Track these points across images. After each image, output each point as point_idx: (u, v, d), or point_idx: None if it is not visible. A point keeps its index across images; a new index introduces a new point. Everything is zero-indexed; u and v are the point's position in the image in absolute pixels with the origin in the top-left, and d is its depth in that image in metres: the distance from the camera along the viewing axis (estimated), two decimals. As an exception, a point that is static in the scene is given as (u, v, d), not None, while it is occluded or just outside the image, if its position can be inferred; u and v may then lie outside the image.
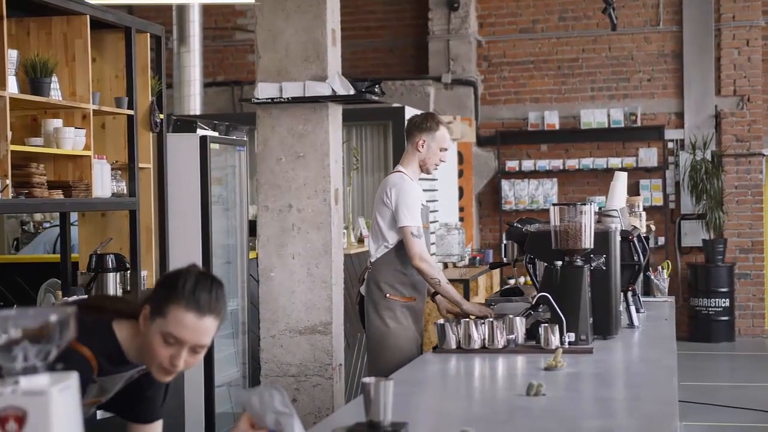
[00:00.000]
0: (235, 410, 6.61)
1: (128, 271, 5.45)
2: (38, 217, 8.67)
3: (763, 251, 12.42)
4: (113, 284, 5.32)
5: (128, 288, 5.48)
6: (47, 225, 8.70)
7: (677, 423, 2.89)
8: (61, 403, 1.73)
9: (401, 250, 5.08)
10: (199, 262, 6.16)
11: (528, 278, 11.78)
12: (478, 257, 10.71)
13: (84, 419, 2.60)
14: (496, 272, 10.91)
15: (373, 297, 5.13)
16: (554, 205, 4.42)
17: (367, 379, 2.73)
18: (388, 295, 5.08)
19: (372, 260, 5.18)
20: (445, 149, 5.22)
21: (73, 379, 1.78)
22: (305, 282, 5.62)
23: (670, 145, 12.50)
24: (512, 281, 12.10)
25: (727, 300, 12.04)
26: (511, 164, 12.72)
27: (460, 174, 12.22)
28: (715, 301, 12.02)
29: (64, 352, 2.38)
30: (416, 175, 5.19)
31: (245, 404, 2.50)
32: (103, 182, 5.17)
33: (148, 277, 5.73)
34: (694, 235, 12.36)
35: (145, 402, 2.84)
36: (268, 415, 2.48)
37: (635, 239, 5.01)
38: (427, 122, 5.19)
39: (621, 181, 5.48)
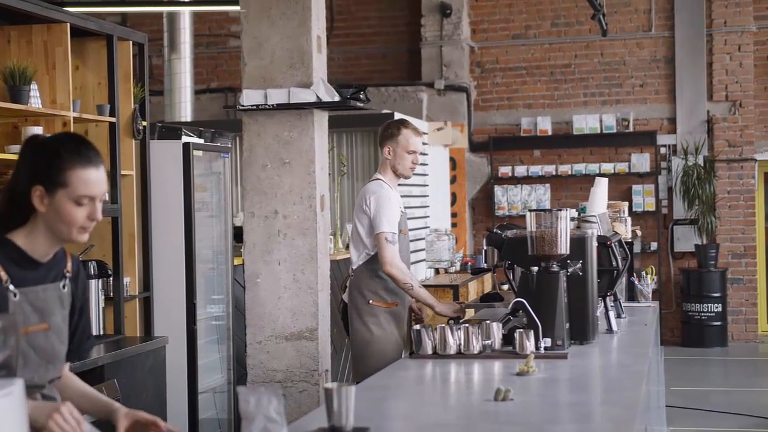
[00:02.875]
0: (220, 416, 6.62)
1: (110, 278, 5.47)
2: None
3: (756, 256, 12.43)
4: (95, 291, 5.33)
5: (111, 295, 5.49)
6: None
7: (640, 426, 2.90)
8: (3, 408, 1.75)
9: None
10: (183, 269, 6.19)
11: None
12: (470, 263, 10.72)
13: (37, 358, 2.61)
14: (488, 278, 10.92)
15: (356, 304, 5.20)
16: (531, 210, 4.44)
17: (328, 385, 2.75)
18: (371, 301, 5.17)
19: (354, 267, 5.27)
20: (413, 152, 5.30)
21: (17, 385, 1.80)
22: (291, 288, 5.63)
23: (663, 150, 12.52)
24: (505, 287, 12.11)
25: (720, 305, 12.04)
26: (504, 170, 12.74)
27: (453, 180, 12.25)
28: (708, 306, 12.02)
29: None
30: (394, 181, 5.28)
31: (240, 399, 2.52)
32: (85, 189, 5.19)
33: (131, 283, 5.75)
34: (686, 240, 12.37)
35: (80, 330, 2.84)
36: (258, 418, 2.50)
37: (614, 244, 5.02)
38: (388, 129, 5.33)
39: (601, 186, 5.50)
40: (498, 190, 12.73)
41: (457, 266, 10.32)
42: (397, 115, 9.66)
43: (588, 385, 3.82)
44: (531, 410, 3.20)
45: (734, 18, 12.33)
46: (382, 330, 5.11)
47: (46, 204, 2.64)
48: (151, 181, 5.97)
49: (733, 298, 12.32)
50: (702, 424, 8.15)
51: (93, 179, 2.65)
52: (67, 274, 2.78)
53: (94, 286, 5.33)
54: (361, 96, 5.96)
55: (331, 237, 7.91)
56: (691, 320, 12.09)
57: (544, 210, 4.43)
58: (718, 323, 12.06)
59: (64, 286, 2.76)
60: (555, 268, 4.38)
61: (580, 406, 3.32)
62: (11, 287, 2.61)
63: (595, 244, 4.65)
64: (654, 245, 12.34)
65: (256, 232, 5.64)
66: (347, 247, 7.99)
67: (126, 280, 5.64)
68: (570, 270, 4.44)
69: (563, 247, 4.36)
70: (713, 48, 12.40)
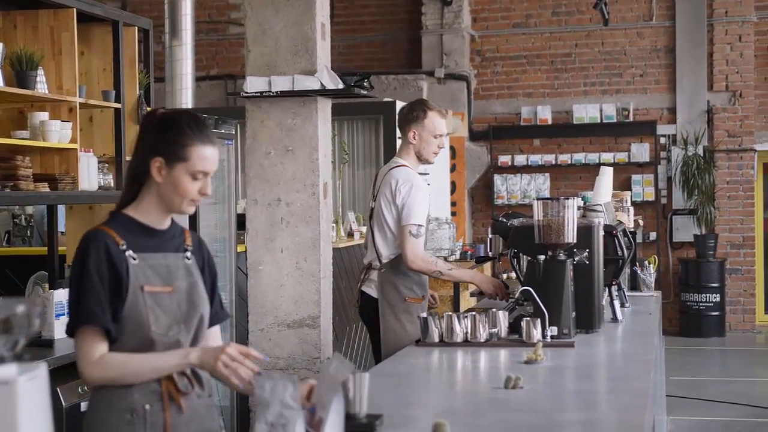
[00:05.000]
0: (222, 404, 6.62)
1: (115, 264, 5.46)
2: (30, 209, 8.68)
3: (754, 246, 12.46)
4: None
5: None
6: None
7: (650, 416, 2.91)
8: (28, 392, 1.74)
9: None
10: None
11: (519, 273, 11.78)
12: (469, 252, 10.73)
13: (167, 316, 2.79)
14: (488, 266, 10.93)
15: (389, 300, 5.01)
16: (538, 199, 4.44)
17: (343, 372, 2.75)
18: (407, 298, 5.00)
19: (383, 261, 5.05)
20: (439, 135, 5.09)
21: (41, 369, 1.80)
22: (294, 276, 5.63)
23: (663, 140, 12.53)
24: (504, 275, 12.12)
25: (718, 295, 12.07)
26: (504, 159, 12.74)
27: (453, 168, 12.25)
28: (706, 296, 12.05)
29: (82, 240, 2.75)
30: (416, 166, 5.10)
31: (256, 386, 2.54)
32: (90, 175, 5.19)
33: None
34: (685, 230, 12.39)
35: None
36: (274, 404, 2.52)
37: (619, 234, 5.02)
38: (413, 112, 5.09)
39: (606, 176, 5.50)
40: (497, 179, 12.73)
41: (457, 255, 10.33)
42: (400, 104, 9.66)
43: (597, 373, 3.83)
44: (542, 398, 3.21)
45: (735, 8, 12.32)
46: (414, 326, 5.00)
47: (164, 175, 2.78)
48: (156, 168, 5.96)
49: (732, 289, 12.34)
50: (700, 414, 8.17)
51: (210, 156, 2.80)
52: (188, 248, 2.91)
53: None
54: (365, 84, 5.95)
55: (333, 225, 7.90)
56: (689, 310, 12.12)
57: (552, 199, 4.42)
58: (717, 313, 12.09)
59: (187, 258, 2.88)
60: (562, 256, 4.38)
61: (590, 395, 3.34)
62: (130, 252, 2.76)
63: (601, 233, 4.65)
64: (653, 235, 12.36)
65: (258, 220, 5.63)
66: (349, 235, 7.99)
67: (130, 266, 5.63)
68: (576, 259, 4.44)
69: (570, 236, 4.37)
70: (714, 38, 12.40)
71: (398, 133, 9.66)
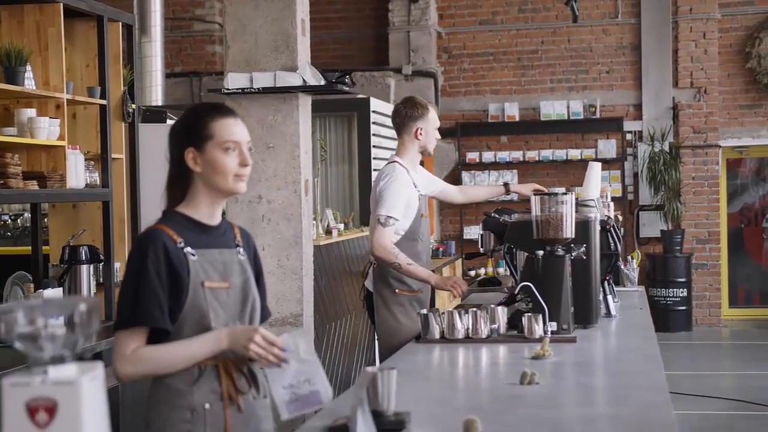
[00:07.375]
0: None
1: (101, 263, 5.38)
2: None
3: (720, 241, 12.59)
4: (86, 276, 5.25)
5: (101, 280, 5.41)
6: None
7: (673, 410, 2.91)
8: (90, 392, 1.71)
9: (405, 243, 5.01)
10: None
11: (491, 269, 11.81)
12: (440, 249, 10.75)
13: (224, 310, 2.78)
14: (459, 263, 10.96)
15: (382, 293, 5.07)
16: (536, 194, 4.44)
17: (371, 369, 2.72)
18: (397, 290, 5.05)
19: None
20: (437, 126, 5.27)
21: (99, 369, 1.76)
22: (276, 273, 5.61)
23: (629, 136, 12.62)
24: (472, 273, 12.15)
25: (685, 290, 12.18)
26: (472, 156, 12.76)
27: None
28: (673, 291, 12.16)
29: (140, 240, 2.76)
30: (414, 162, 5.20)
31: None
32: (77, 173, 5.11)
33: (122, 269, 5.66)
34: (652, 225, 12.49)
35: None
36: (291, 363, 2.52)
37: (611, 228, 5.04)
38: (417, 110, 5.17)
39: (595, 170, 5.51)
40: (465, 176, 12.74)
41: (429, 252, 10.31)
42: (374, 101, 9.65)
43: (606, 368, 3.83)
44: (561, 394, 3.20)
45: (699, 5, 12.44)
46: (409, 318, 5.00)
47: (200, 162, 2.78)
48: (140, 165, 5.89)
49: (698, 283, 12.47)
50: (677, 408, 8.20)
51: (234, 126, 2.81)
52: (240, 243, 2.90)
53: (86, 271, 5.25)
54: (347, 80, 5.93)
55: (313, 223, 7.86)
56: (656, 305, 12.20)
57: (549, 194, 4.42)
58: (683, 308, 12.21)
59: (240, 254, 2.87)
60: (560, 251, 4.38)
61: (607, 390, 3.33)
62: (188, 249, 2.75)
63: (598, 227, 4.66)
64: (620, 231, 12.43)
65: (239, 217, 5.60)
66: (327, 232, 7.95)
67: (117, 265, 5.55)
68: (574, 254, 4.44)
69: (568, 231, 4.37)
70: (679, 35, 12.51)
71: (374, 129, 9.65)
